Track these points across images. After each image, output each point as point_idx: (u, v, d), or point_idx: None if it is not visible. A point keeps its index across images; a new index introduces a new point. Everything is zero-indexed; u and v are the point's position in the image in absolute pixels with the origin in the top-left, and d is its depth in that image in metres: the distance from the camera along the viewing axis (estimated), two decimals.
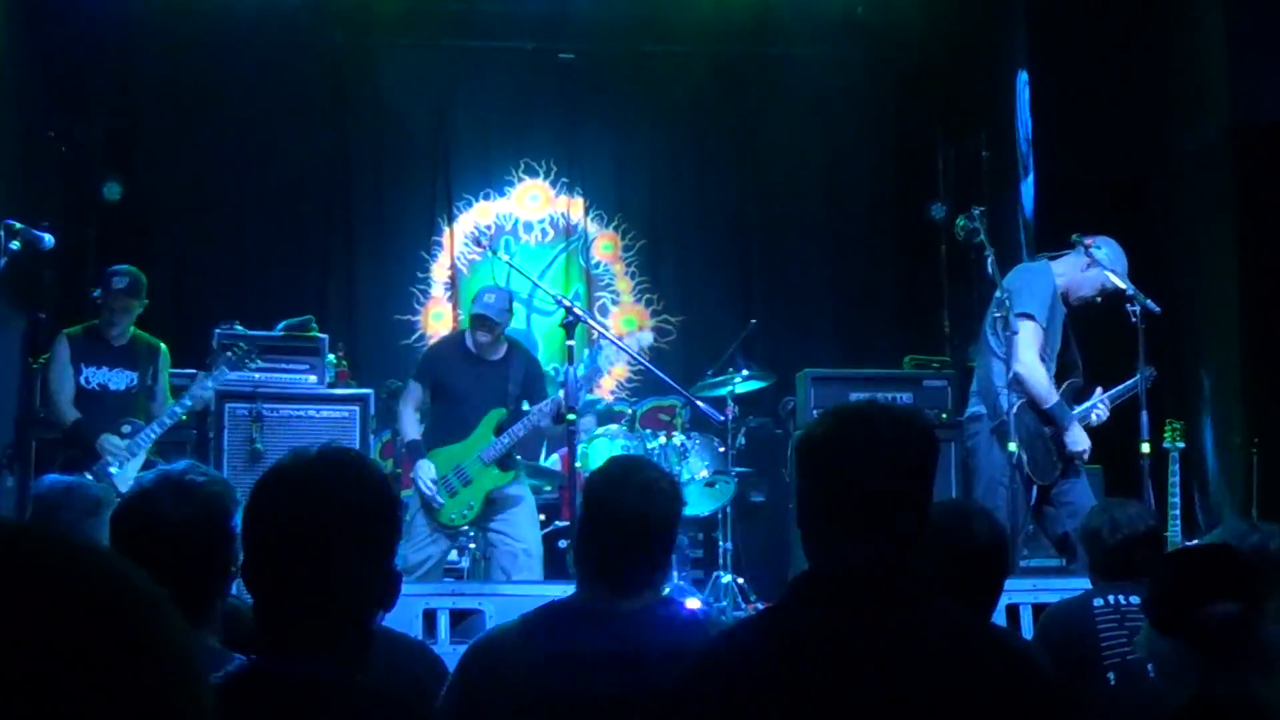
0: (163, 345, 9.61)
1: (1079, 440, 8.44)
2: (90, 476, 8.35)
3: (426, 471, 8.99)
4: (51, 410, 9.19)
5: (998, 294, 8.28)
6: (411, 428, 9.28)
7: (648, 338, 9.91)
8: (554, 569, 9.77)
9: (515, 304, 9.46)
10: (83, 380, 9.28)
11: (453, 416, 9.20)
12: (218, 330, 10.14)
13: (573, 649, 3.92)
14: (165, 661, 1.26)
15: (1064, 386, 8.58)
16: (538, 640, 3.96)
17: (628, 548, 4.07)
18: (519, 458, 10.14)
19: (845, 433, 3.00)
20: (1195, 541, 8.19)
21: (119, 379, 9.32)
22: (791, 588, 3.01)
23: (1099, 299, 8.60)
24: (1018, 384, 8.21)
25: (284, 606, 2.69)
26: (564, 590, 6.37)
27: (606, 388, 12.92)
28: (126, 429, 9.04)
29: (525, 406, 9.19)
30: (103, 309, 9.37)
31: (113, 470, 8.83)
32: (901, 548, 2.95)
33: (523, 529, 9.14)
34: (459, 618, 6.82)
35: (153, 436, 9.09)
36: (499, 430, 9.05)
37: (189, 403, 9.21)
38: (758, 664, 2.85)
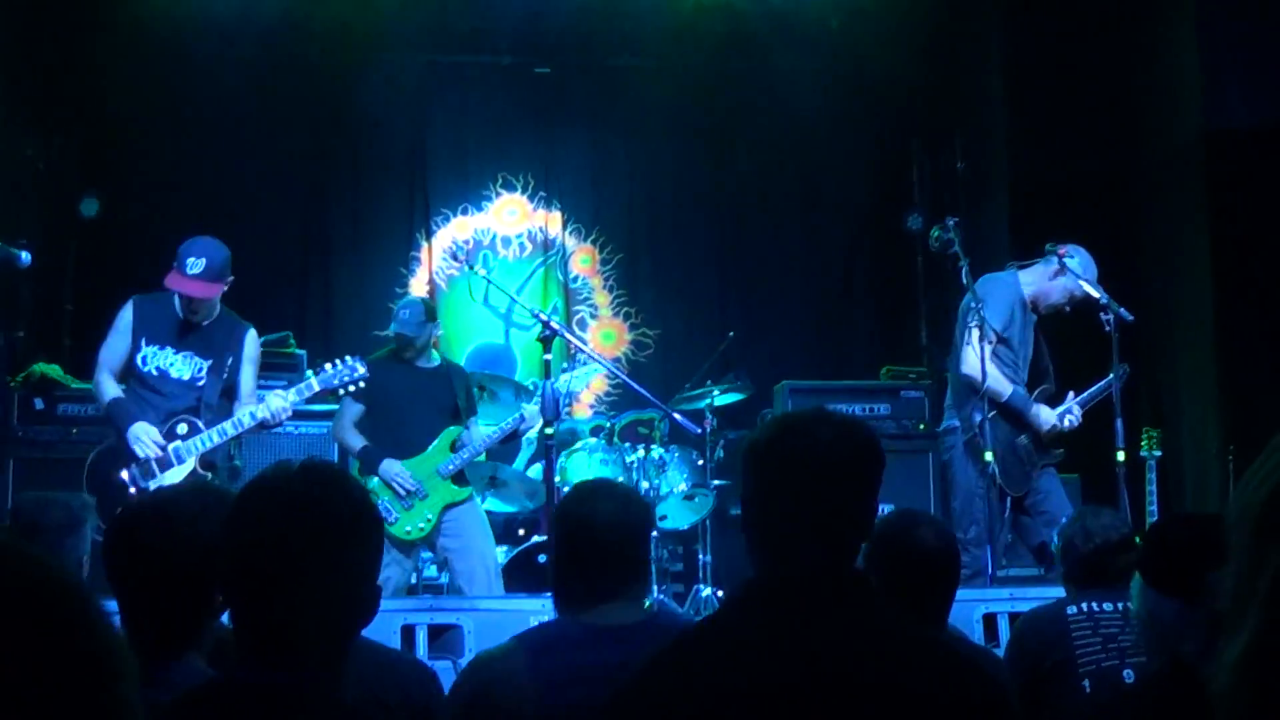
0: (251, 329, 8.24)
1: (1046, 419, 8.51)
2: (126, 477, 7.70)
3: (399, 469, 8.98)
4: (94, 384, 8.03)
5: (964, 304, 8.34)
6: (356, 439, 9.20)
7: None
8: (535, 582, 9.73)
9: (431, 309, 9.43)
10: (139, 360, 7.92)
11: (397, 429, 9.17)
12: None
13: (581, 667, 3.90)
14: (84, 658, 1.29)
15: (1036, 393, 8.64)
16: (542, 661, 3.95)
17: (612, 565, 4.09)
18: (500, 465, 10.19)
19: (788, 440, 3.04)
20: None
21: (185, 365, 7.92)
22: (734, 594, 3.04)
23: (1068, 307, 8.68)
24: (972, 390, 8.28)
25: (261, 618, 2.70)
26: (541, 604, 6.40)
27: (585, 402, 12.93)
28: (182, 429, 7.78)
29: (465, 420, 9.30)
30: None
31: (151, 482, 7.65)
32: (843, 554, 2.99)
33: (478, 543, 9.13)
34: (437, 633, 6.81)
35: (206, 444, 7.78)
36: (455, 446, 9.08)
37: (261, 417, 7.84)
38: (702, 670, 2.85)
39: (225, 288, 7.96)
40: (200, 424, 7.80)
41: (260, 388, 8.29)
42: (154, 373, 7.89)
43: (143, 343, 7.93)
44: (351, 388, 8.20)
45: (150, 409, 7.84)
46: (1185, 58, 10.87)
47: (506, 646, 4.10)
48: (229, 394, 8.00)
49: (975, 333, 8.33)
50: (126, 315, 8.03)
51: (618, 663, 3.88)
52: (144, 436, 7.71)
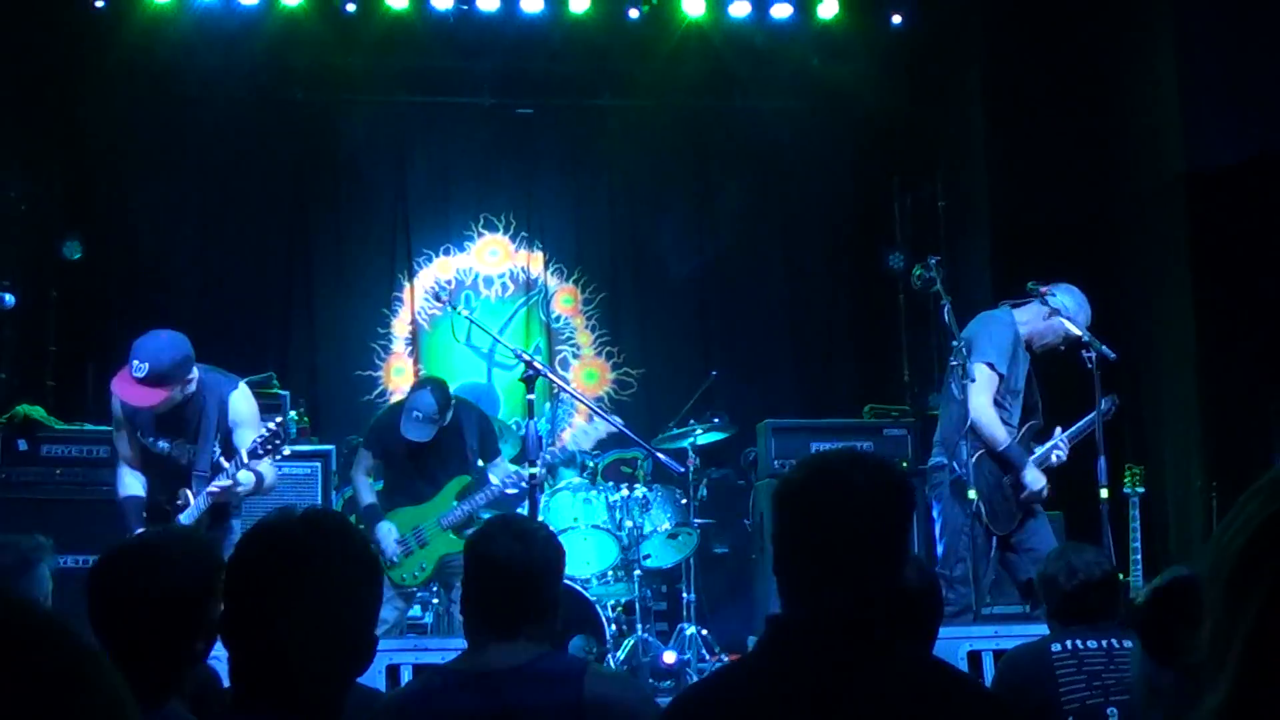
0: (234, 390, 7.93)
1: (1035, 481, 8.48)
2: None
3: (389, 534, 9.02)
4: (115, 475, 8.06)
5: (955, 343, 8.33)
6: (366, 493, 9.29)
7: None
8: None
9: (448, 394, 9.22)
10: (146, 444, 7.91)
11: (410, 481, 9.23)
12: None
13: (446, 712, 3.88)
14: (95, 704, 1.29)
15: (1024, 429, 8.62)
16: (411, 708, 3.94)
17: (504, 603, 4.03)
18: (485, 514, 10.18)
19: (823, 481, 3.05)
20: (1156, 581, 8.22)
21: (176, 450, 7.86)
22: (767, 633, 3.05)
23: (1062, 346, 8.65)
24: (974, 431, 8.26)
25: (260, 663, 2.70)
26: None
27: (565, 439, 12.92)
28: (180, 502, 7.69)
29: (480, 464, 9.23)
30: None
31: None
32: (878, 594, 3.00)
33: None
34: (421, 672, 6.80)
35: (192, 518, 7.62)
36: (460, 496, 9.07)
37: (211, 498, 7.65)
38: (735, 709, 2.88)
39: (176, 389, 7.57)
40: (191, 495, 7.67)
41: None
42: (156, 455, 7.85)
43: (138, 434, 7.87)
44: (279, 449, 7.59)
45: (162, 487, 7.82)
46: (1165, 96, 10.92)
47: (395, 693, 4.11)
48: (229, 455, 7.75)
49: (984, 371, 8.32)
50: (115, 408, 7.91)
51: (481, 710, 3.85)
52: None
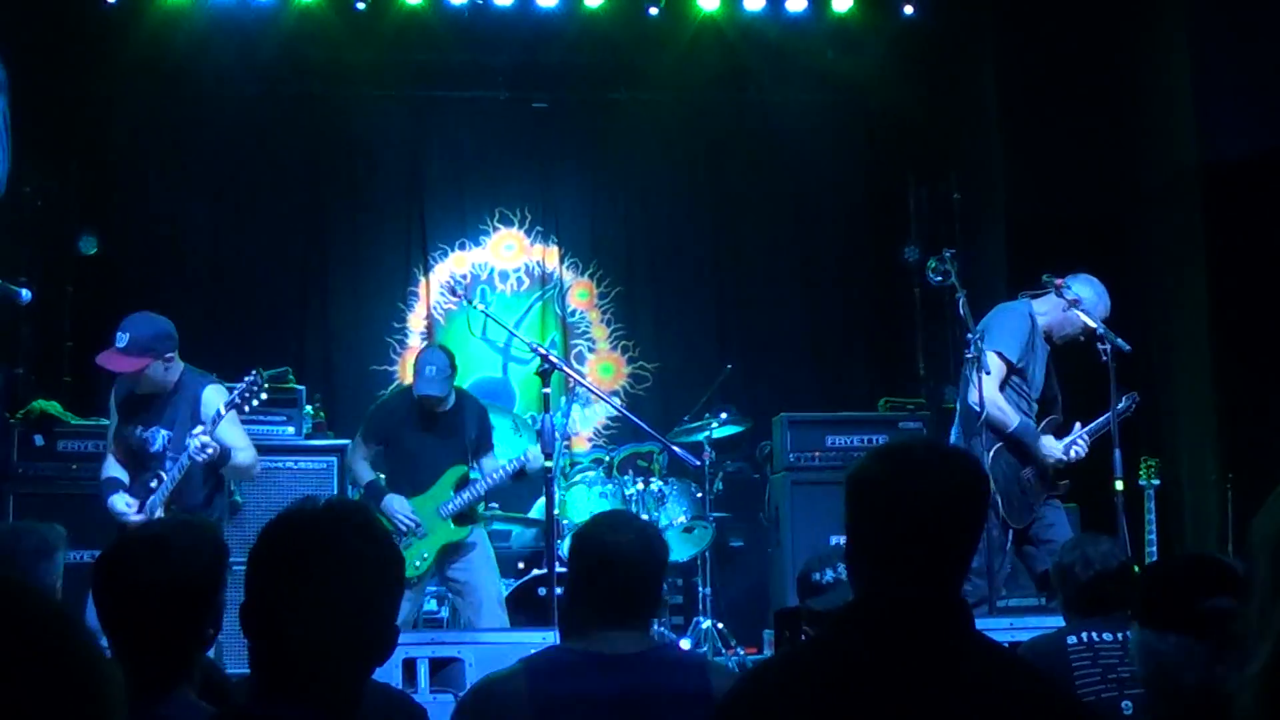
0: (208, 386, 7.97)
1: (1051, 450, 8.47)
2: None
3: (401, 505, 9.05)
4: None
5: (970, 334, 8.32)
6: (366, 472, 9.32)
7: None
8: (538, 616, 9.72)
9: (455, 361, 9.32)
10: (128, 436, 7.98)
11: (410, 471, 9.24)
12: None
13: (580, 694, 3.93)
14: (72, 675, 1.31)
15: (1043, 423, 8.61)
16: (543, 685, 3.96)
17: (627, 593, 4.10)
18: (495, 505, 10.20)
19: (901, 471, 3.06)
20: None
21: (157, 440, 7.91)
22: (840, 619, 3.06)
23: (1082, 337, 8.62)
24: (987, 423, 8.26)
25: (281, 652, 2.70)
26: (544, 637, 6.41)
27: (584, 435, 12.94)
28: (153, 484, 7.76)
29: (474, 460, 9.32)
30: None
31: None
32: (953, 582, 3.03)
33: (482, 576, 9.18)
34: (438, 666, 6.80)
35: (166, 491, 7.71)
36: (459, 486, 9.09)
37: (191, 456, 7.62)
38: (804, 686, 2.89)
39: (152, 362, 7.70)
40: (164, 475, 7.73)
41: (261, 423, 8.46)
42: (136, 446, 7.92)
43: (124, 421, 7.99)
44: (255, 395, 7.79)
45: (139, 477, 7.91)
46: (1179, 90, 10.91)
47: (512, 669, 4.12)
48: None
49: (996, 361, 8.32)
50: (111, 396, 8.11)
51: (618, 691, 3.90)
52: (120, 505, 7.80)
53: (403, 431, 9.21)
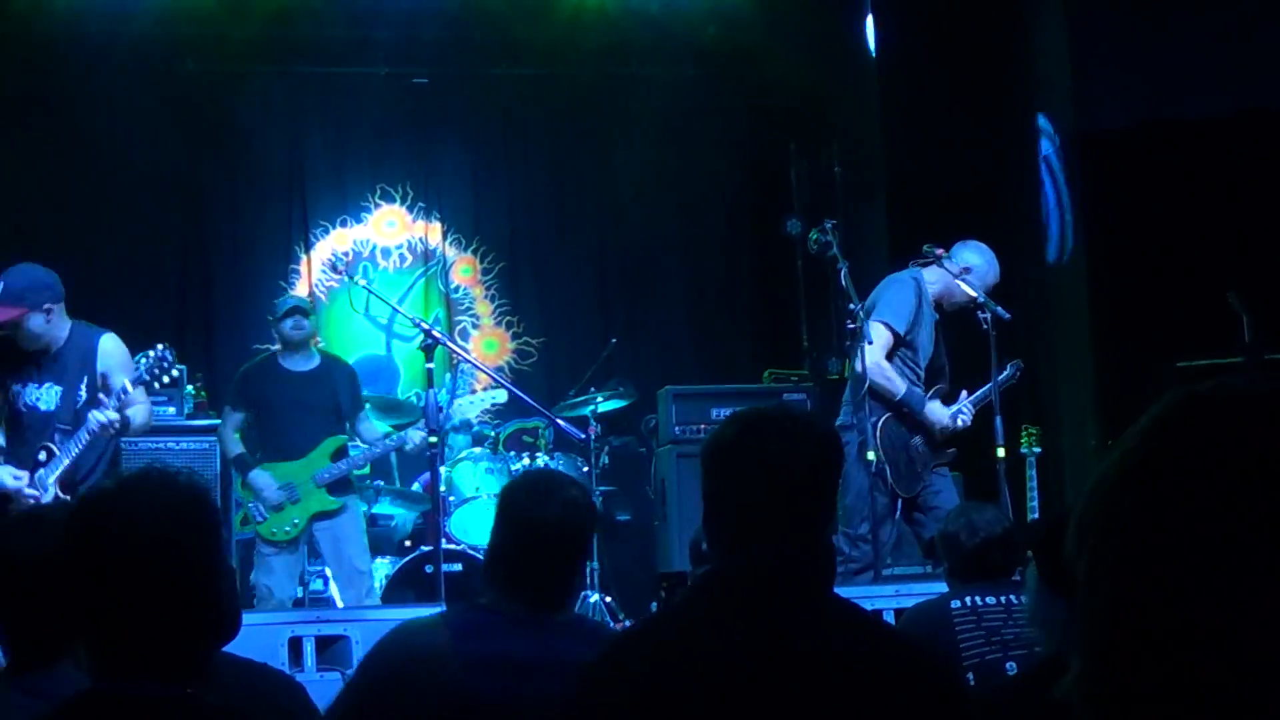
0: (103, 335, 7.77)
1: (939, 417, 8.55)
2: None
3: (269, 483, 9.04)
4: None
5: (853, 306, 8.37)
6: (234, 445, 9.32)
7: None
8: (424, 593, 9.66)
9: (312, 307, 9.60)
10: (13, 399, 7.63)
11: (280, 434, 9.23)
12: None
13: (504, 653, 3.89)
14: None
15: (931, 392, 8.68)
16: (466, 643, 3.93)
17: (554, 561, 4.06)
18: (380, 483, 10.18)
19: (754, 437, 3.09)
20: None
21: (48, 396, 7.60)
22: (698, 586, 3.08)
23: (971, 305, 8.69)
24: (872, 391, 8.32)
25: (108, 630, 2.67)
26: (431, 613, 6.38)
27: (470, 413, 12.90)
28: (43, 456, 7.45)
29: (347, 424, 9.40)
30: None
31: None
32: (809, 547, 3.04)
33: (354, 548, 9.22)
34: (325, 644, 6.77)
35: (58, 467, 7.41)
36: (335, 456, 9.07)
37: (92, 430, 7.35)
38: (666, 652, 2.91)
39: (29, 312, 7.44)
40: (55, 448, 7.47)
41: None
42: (24, 409, 7.61)
43: (9, 382, 7.65)
44: (166, 371, 7.64)
45: (24, 446, 7.60)
46: (1057, 59, 11.03)
47: (431, 620, 4.10)
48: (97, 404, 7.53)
49: (881, 331, 8.37)
50: None
51: (546, 655, 3.88)
52: (7, 479, 7.42)
53: (271, 396, 9.19)
